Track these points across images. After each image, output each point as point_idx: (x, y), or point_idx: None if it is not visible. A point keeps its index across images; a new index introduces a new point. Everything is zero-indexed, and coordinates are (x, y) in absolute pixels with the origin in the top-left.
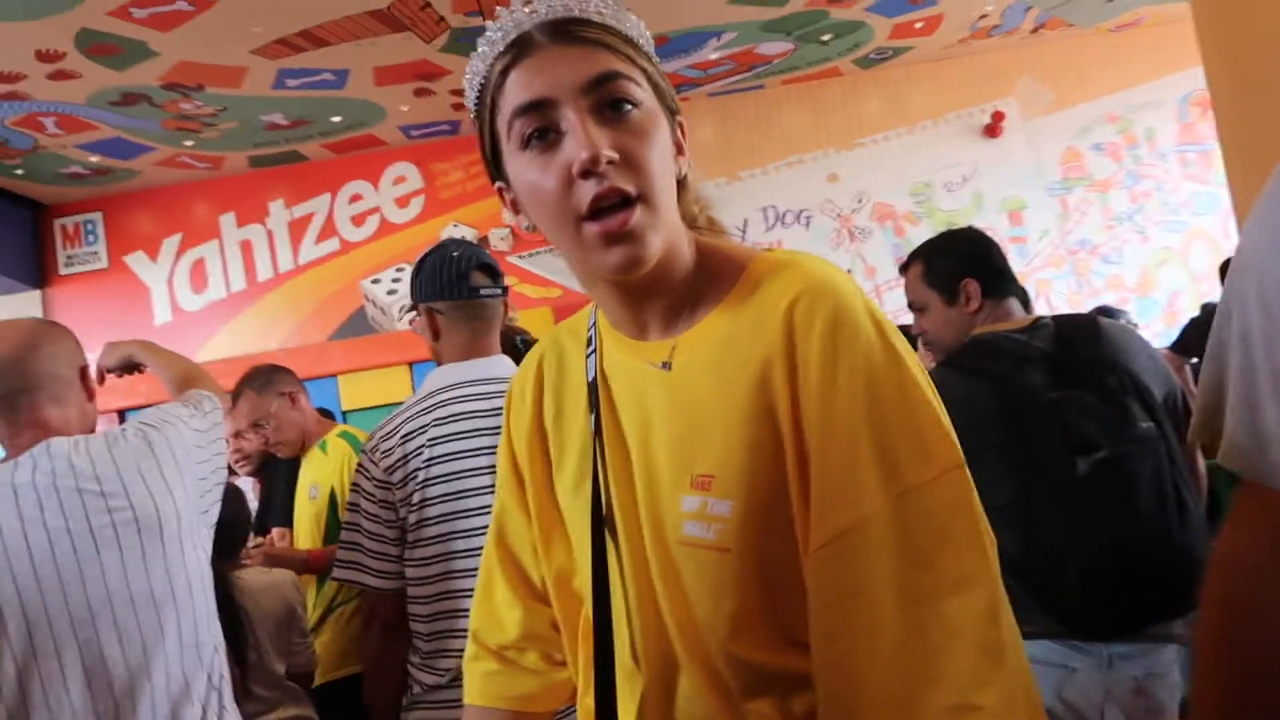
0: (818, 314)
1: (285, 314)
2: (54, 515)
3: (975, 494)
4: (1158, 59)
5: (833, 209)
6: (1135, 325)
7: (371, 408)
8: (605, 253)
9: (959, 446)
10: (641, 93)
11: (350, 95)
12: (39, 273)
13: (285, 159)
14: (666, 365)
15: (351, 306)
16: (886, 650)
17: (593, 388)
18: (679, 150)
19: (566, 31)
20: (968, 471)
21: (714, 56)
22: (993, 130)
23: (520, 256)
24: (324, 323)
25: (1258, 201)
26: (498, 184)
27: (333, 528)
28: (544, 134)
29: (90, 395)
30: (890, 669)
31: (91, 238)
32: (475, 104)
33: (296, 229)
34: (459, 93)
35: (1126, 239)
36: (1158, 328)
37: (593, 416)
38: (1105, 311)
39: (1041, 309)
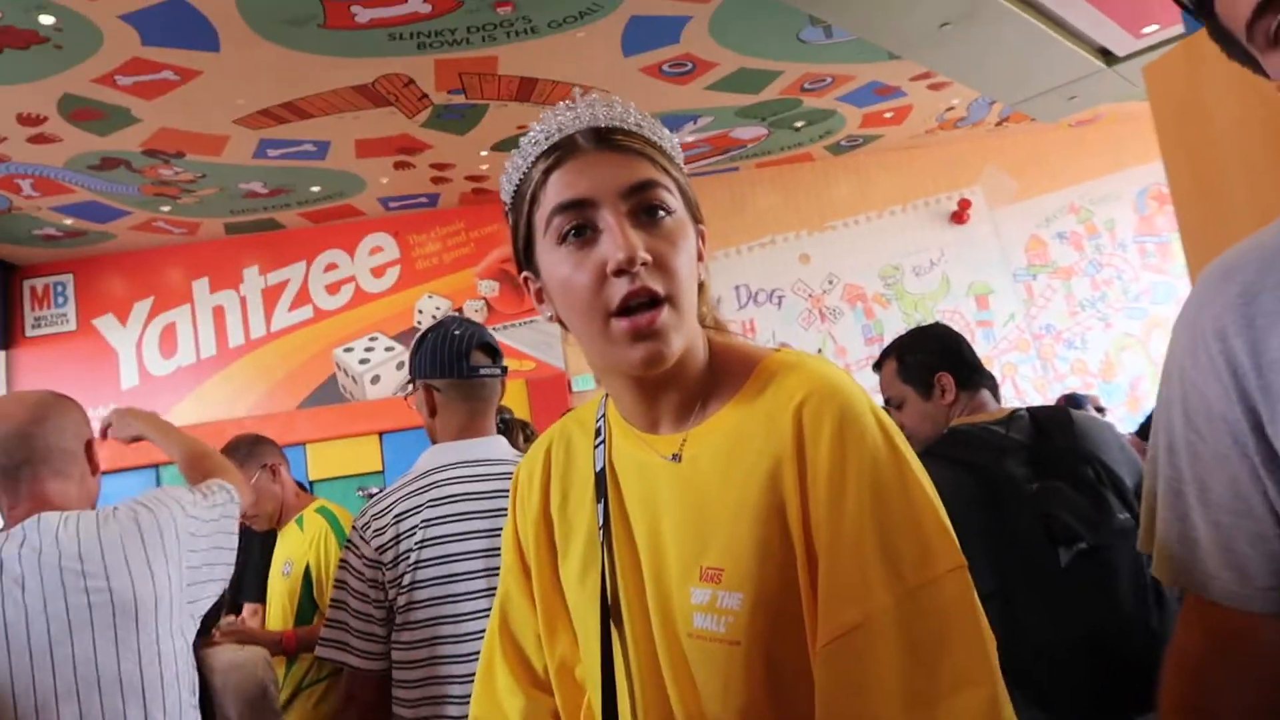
0: (826, 416)
1: (255, 380)
2: (33, 593)
3: (975, 593)
4: (1117, 153)
5: (804, 289)
6: (1103, 410)
7: (339, 477)
8: (631, 348)
9: (959, 547)
10: (674, 201)
11: (331, 166)
12: (4, 334)
13: (262, 226)
14: (676, 457)
15: (323, 375)
16: None
17: (600, 477)
18: (699, 257)
19: (609, 139)
20: (968, 572)
21: (690, 139)
22: (959, 217)
23: (495, 329)
24: (294, 390)
25: (1182, 309)
26: (524, 274)
27: (305, 606)
28: (581, 231)
29: (94, 469)
30: None
31: (61, 299)
32: (513, 197)
33: (270, 296)
34: (439, 166)
35: (1090, 325)
36: (1121, 412)
37: (600, 506)
38: (1073, 400)
39: (1008, 392)
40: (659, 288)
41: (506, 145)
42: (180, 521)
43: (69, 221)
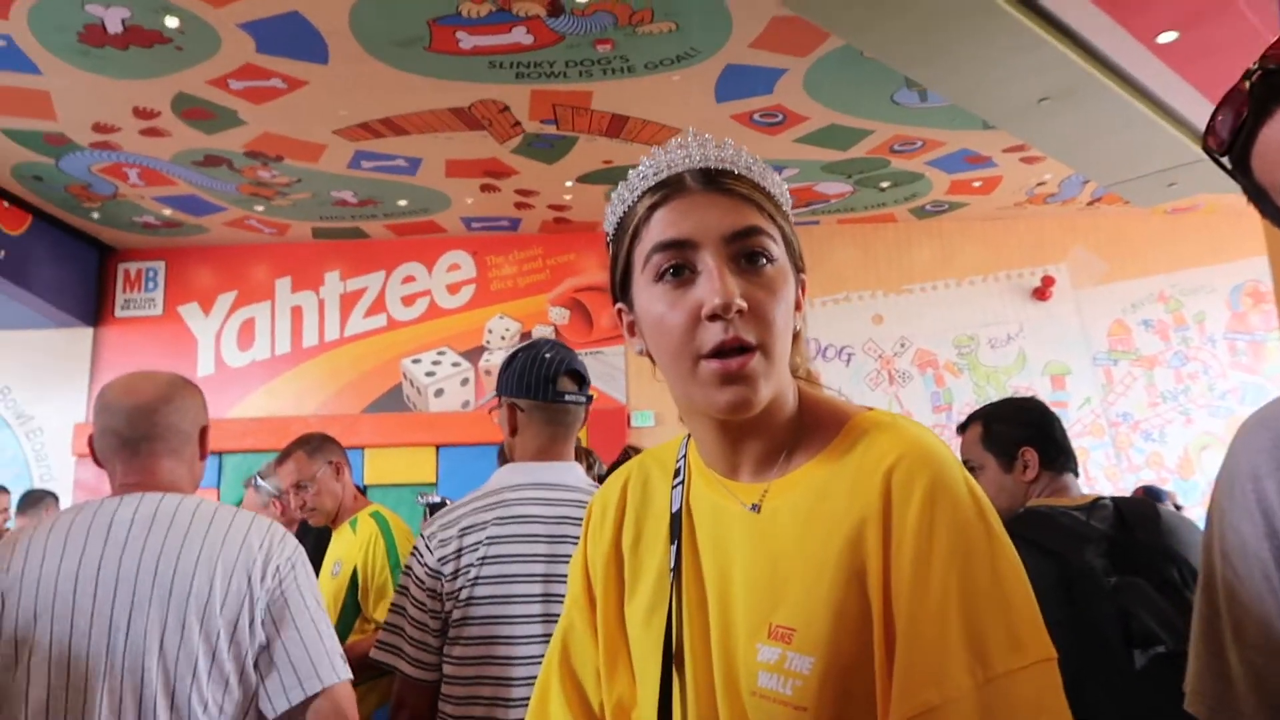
0: (917, 482)
1: (324, 381)
2: (130, 560)
3: (1062, 689)
4: (1212, 245)
5: (875, 349)
6: (1180, 507)
7: (393, 484)
8: (718, 391)
9: (1049, 638)
10: (777, 249)
11: (419, 182)
12: (95, 312)
13: (348, 234)
14: (756, 508)
15: (389, 383)
16: None
17: (676, 519)
18: (798, 306)
19: (718, 181)
20: (1056, 665)
21: None
22: (1042, 293)
23: None
24: (360, 395)
25: (1225, 456)
26: (618, 305)
27: (349, 607)
28: (679, 271)
29: (203, 455)
30: None
31: (151, 285)
32: (615, 230)
33: (348, 301)
34: (524, 192)
35: (1170, 418)
36: (1197, 512)
37: (674, 548)
38: (1152, 493)
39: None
40: (751, 337)
41: (591, 178)
42: (298, 604)
43: (168, 212)
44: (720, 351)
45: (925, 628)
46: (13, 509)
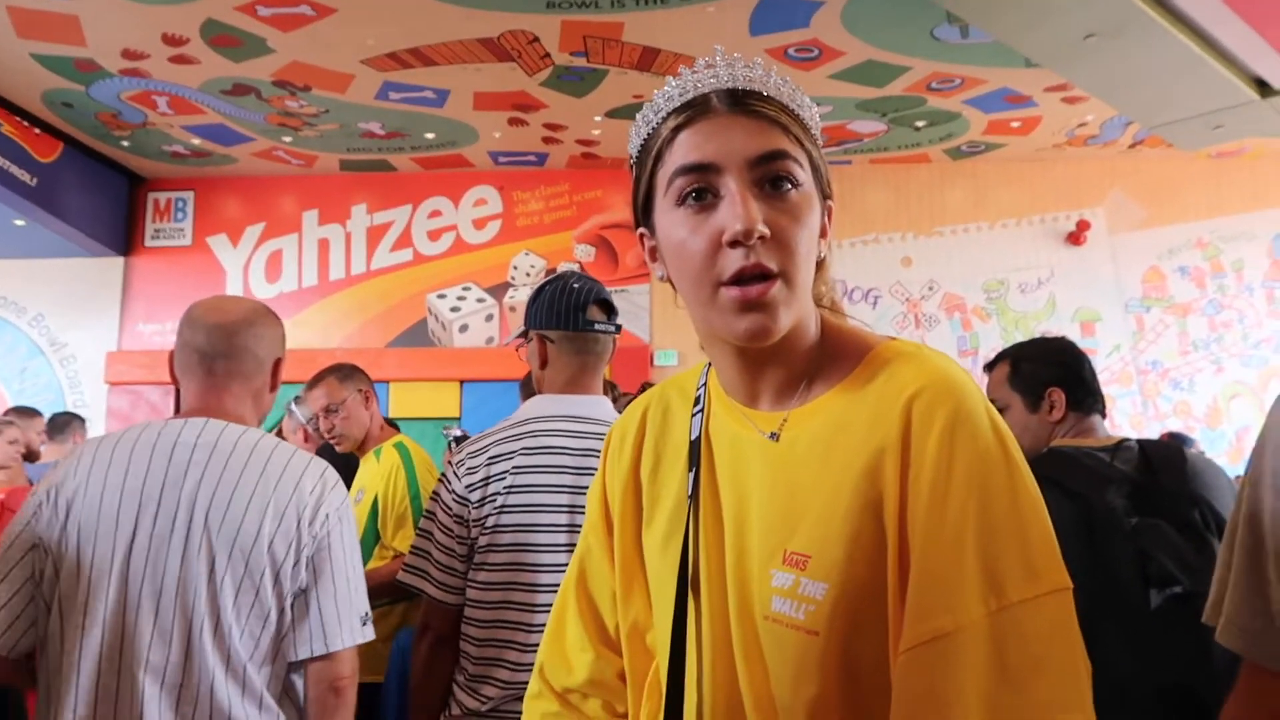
0: (938, 412)
1: (351, 314)
2: (190, 487)
3: (1076, 620)
4: (1255, 190)
5: (902, 292)
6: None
7: (417, 418)
8: (737, 318)
9: (1066, 570)
10: (803, 174)
11: (447, 115)
12: (126, 241)
13: (375, 166)
14: (774, 436)
15: (414, 317)
16: None
17: (695, 446)
18: (823, 233)
19: (744, 102)
20: (1072, 596)
21: None
22: (1076, 238)
23: None
24: (385, 329)
25: None
26: (640, 230)
27: (368, 535)
28: (702, 195)
29: (274, 386)
30: None
31: (180, 214)
32: (638, 152)
33: (374, 234)
34: (552, 126)
35: (1200, 367)
36: (1222, 462)
37: (692, 475)
38: (1178, 438)
39: None
40: (773, 264)
41: (620, 113)
42: (338, 553)
43: (196, 141)
44: (740, 278)
45: (940, 556)
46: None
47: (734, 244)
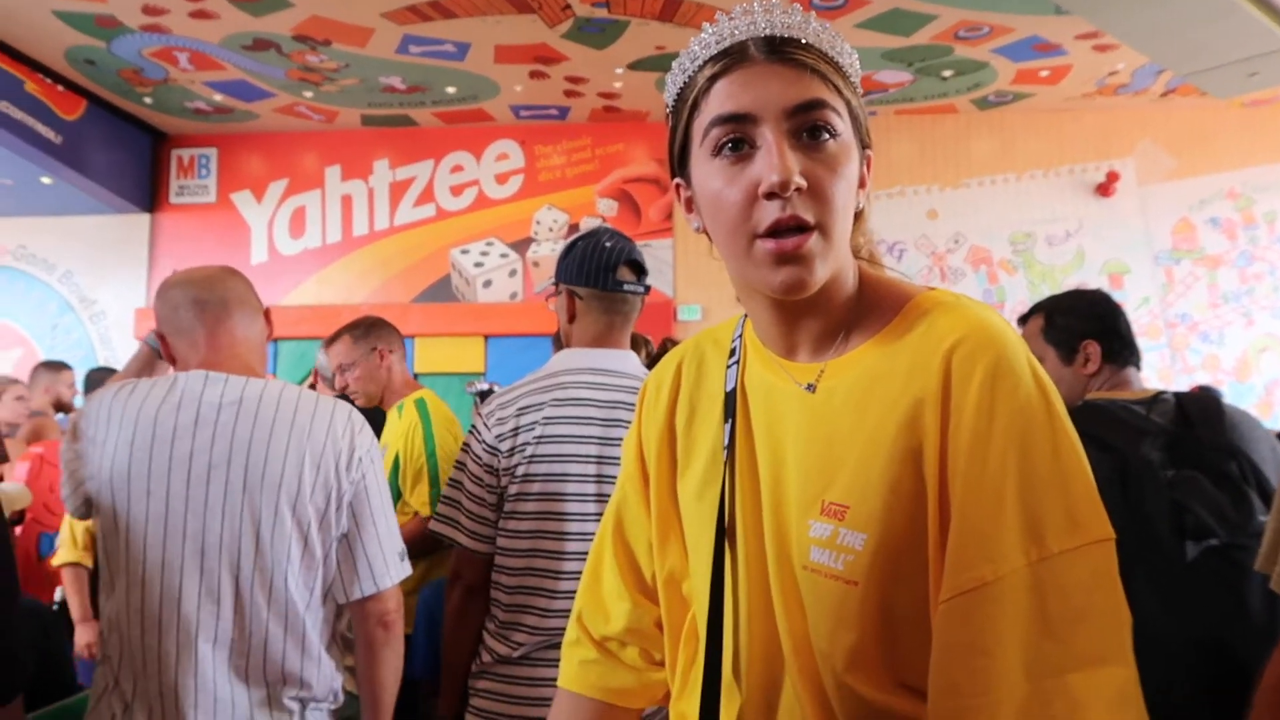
0: (979, 362)
1: (374, 270)
2: (221, 446)
3: (1117, 570)
4: None
5: (928, 245)
6: None
7: (442, 373)
8: (773, 271)
9: (1108, 520)
10: (841, 124)
11: (468, 69)
12: (151, 198)
13: (396, 121)
14: (811, 387)
15: (438, 273)
16: (1005, 714)
17: (731, 397)
18: (861, 183)
19: (782, 51)
20: (1114, 547)
21: None
22: (1105, 189)
23: None
24: (409, 285)
25: None
26: (676, 180)
27: (391, 492)
28: (738, 145)
29: (270, 335)
30: None
31: (204, 172)
32: (674, 101)
33: (397, 190)
34: (573, 79)
35: (1230, 320)
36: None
37: (727, 426)
38: (1207, 391)
39: None
40: (810, 216)
41: (642, 65)
42: (374, 490)
43: (218, 98)
44: (776, 230)
45: (980, 506)
46: (80, 387)
47: (770, 196)
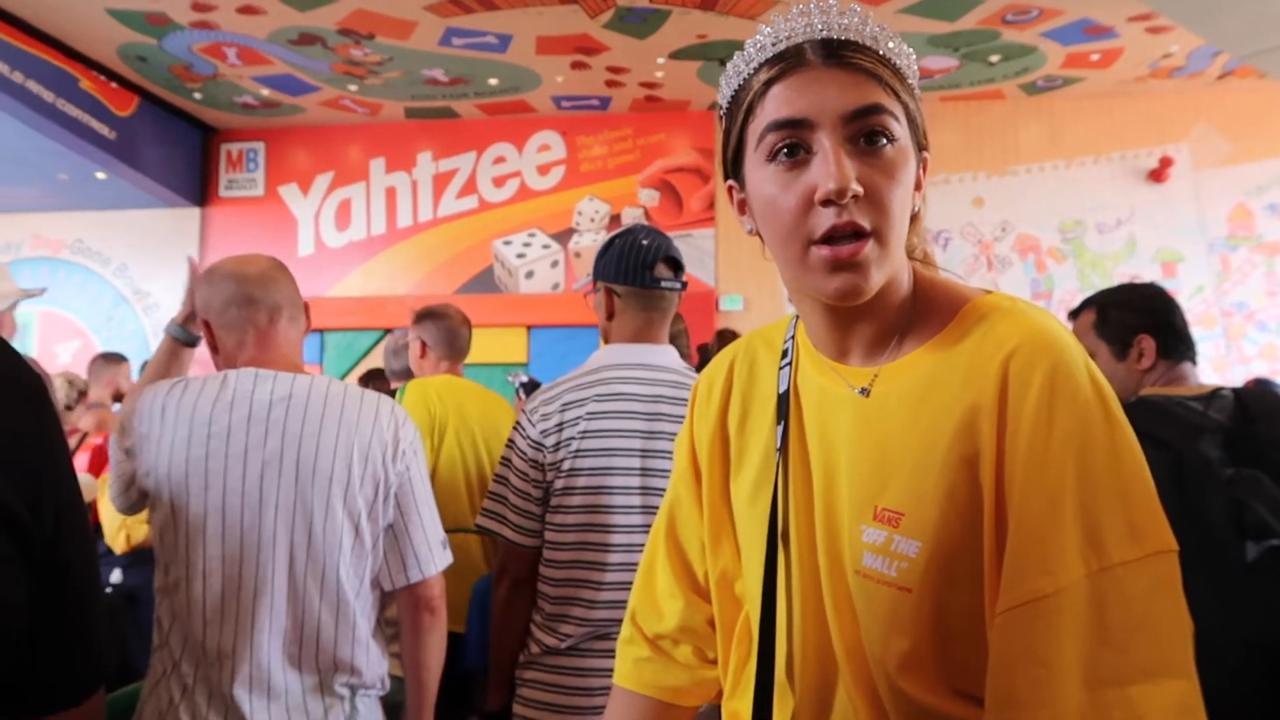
0: (1037, 370)
1: (418, 262)
2: (274, 442)
3: (1180, 581)
4: None
5: (974, 234)
6: None
7: (484, 364)
8: (828, 278)
9: (1170, 530)
10: (899, 129)
11: (510, 60)
12: (201, 192)
13: (439, 114)
14: (865, 391)
15: (481, 264)
16: None
17: (783, 400)
18: (918, 185)
19: (840, 55)
20: (1176, 558)
21: None
22: (1158, 175)
23: None
24: (452, 276)
25: None
26: (730, 183)
27: None
28: (794, 151)
29: (308, 328)
30: None
31: (253, 165)
32: (729, 103)
33: (440, 182)
34: (615, 70)
35: None
36: None
37: (780, 429)
38: (1264, 384)
39: None
40: (866, 223)
41: (684, 54)
42: (416, 477)
43: (266, 92)
44: (832, 237)
45: (1039, 516)
46: (134, 378)
47: (827, 203)
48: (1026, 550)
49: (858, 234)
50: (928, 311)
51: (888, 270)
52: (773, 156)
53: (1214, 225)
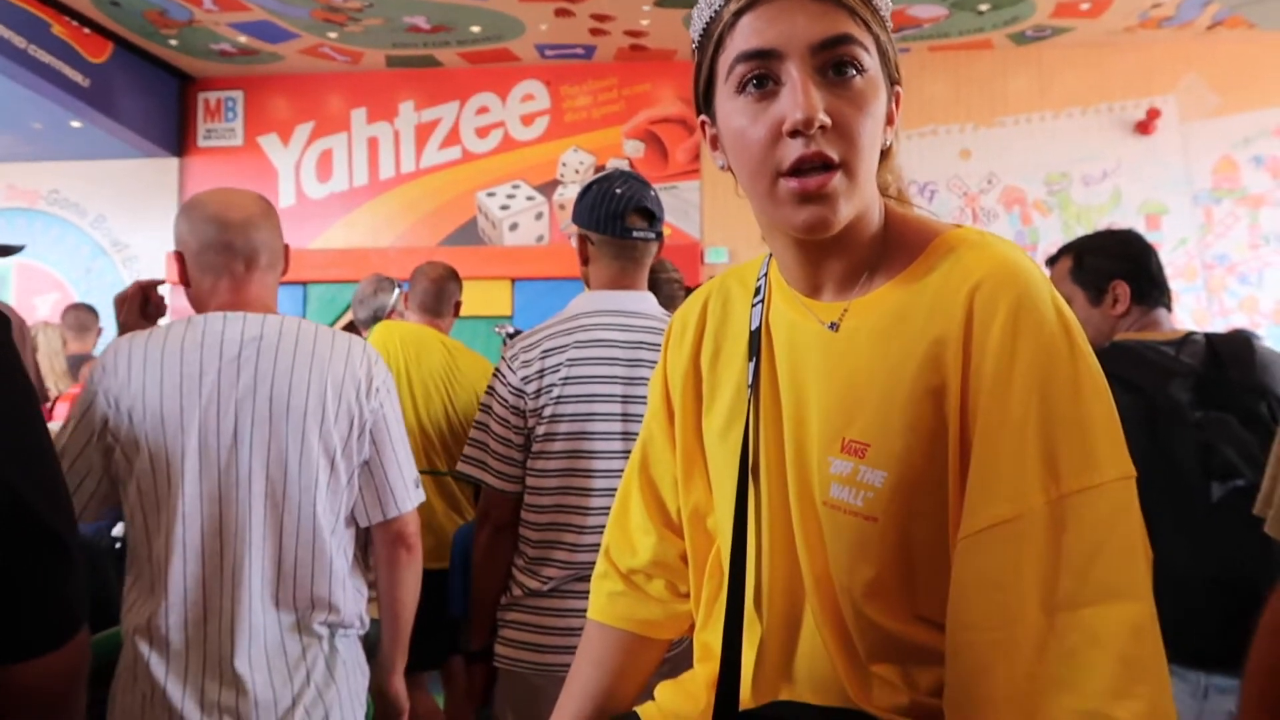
0: (1001, 301)
1: (401, 213)
2: (246, 379)
3: (1138, 507)
4: None
5: (960, 186)
6: None
7: (469, 317)
8: (796, 210)
9: (1129, 458)
10: (869, 59)
11: (492, 6)
12: (179, 142)
13: (421, 62)
14: (834, 326)
15: (464, 216)
16: (1022, 647)
17: (755, 336)
18: (889, 120)
19: None
20: (1134, 484)
21: None
22: (1145, 127)
23: None
24: (436, 228)
25: None
26: (701, 118)
27: None
28: (762, 82)
29: (286, 269)
30: (1023, 666)
31: (231, 114)
32: (700, 36)
33: (422, 132)
34: (599, 17)
35: (1270, 261)
36: None
37: (751, 365)
38: (1244, 334)
39: None
40: (834, 154)
41: (670, 2)
42: (390, 422)
43: (243, 39)
44: (800, 168)
45: (1001, 445)
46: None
47: (794, 133)
48: (988, 478)
49: (826, 165)
50: (898, 246)
51: (857, 203)
52: (742, 88)
53: (1199, 177)
